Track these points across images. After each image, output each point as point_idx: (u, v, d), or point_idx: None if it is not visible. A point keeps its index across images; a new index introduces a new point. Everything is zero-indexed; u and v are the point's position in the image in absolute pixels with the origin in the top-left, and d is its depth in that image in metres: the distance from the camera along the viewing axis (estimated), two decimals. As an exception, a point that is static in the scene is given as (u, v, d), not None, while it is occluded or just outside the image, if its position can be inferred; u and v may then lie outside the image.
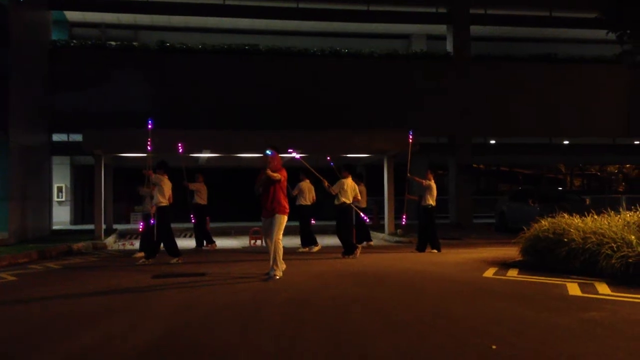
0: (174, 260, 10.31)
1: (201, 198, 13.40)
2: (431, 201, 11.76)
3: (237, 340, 4.57)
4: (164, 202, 10.41)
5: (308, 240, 12.54)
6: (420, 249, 11.87)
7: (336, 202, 11.17)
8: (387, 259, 10.72)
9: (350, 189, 11.15)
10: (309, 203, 12.54)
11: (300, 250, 12.41)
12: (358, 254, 10.87)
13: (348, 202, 11.11)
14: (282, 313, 5.62)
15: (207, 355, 4.19)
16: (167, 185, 10.52)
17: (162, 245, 10.57)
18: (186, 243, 14.84)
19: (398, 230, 15.78)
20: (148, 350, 4.31)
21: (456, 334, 4.64)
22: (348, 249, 10.93)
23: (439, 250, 11.68)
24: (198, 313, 5.73)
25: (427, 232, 11.83)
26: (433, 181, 11.91)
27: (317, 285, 7.40)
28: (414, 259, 10.61)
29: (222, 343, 4.50)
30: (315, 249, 12.46)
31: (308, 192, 12.57)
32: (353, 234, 11.72)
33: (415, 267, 9.29)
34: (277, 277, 7.88)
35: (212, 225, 15.15)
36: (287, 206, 8.16)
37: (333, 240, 14.66)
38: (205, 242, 13.50)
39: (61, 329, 5.11)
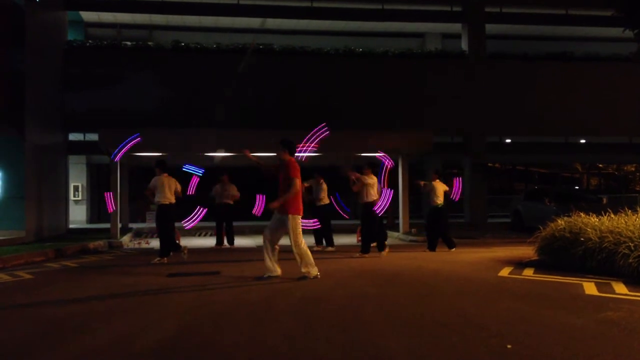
0: (156, 260, 10.32)
1: (227, 197, 13.68)
2: (438, 201, 11.83)
3: (250, 339, 4.57)
4: (164, 200, 10.41)
5: (328, 240, 12.65)
6: (431, 248, 11.88)
7: (363, 200, 11.17)
8: (401, 257, 10.67)
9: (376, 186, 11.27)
10: (328, 202, 12.63)
11: (315, 249, 12.35)
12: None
13: (376, 199, 11.17)
14: (295, 312, 5.61)
15: (220, 354, 4.19)
16: (166, 183, 10.45)
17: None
18: (203, 242, 14.90)
19: (412, 230, 15.74)
20: (161, 349, 4.32)
21: (470, 333, 4.59)
22: (379, 246, 11.21)
23: (451, 248, 11.77)
24: (211, 311, 5.74)
25: (435, 231, 11.94)
26: (439, 182, 12.00)
27: (331, 284, 7.37)
28: (427, 258, 10.56)
29: (234, 341, 4.50)
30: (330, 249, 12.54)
31: (323, 190, 12.64)
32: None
33: (429, 265, 9.24)
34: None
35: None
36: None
37: (349, 239, 14.64)
38: (227, 242, 13.75)
39: (76, 327, 5.13)
